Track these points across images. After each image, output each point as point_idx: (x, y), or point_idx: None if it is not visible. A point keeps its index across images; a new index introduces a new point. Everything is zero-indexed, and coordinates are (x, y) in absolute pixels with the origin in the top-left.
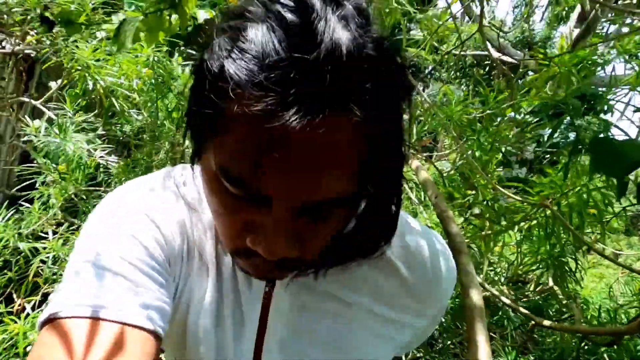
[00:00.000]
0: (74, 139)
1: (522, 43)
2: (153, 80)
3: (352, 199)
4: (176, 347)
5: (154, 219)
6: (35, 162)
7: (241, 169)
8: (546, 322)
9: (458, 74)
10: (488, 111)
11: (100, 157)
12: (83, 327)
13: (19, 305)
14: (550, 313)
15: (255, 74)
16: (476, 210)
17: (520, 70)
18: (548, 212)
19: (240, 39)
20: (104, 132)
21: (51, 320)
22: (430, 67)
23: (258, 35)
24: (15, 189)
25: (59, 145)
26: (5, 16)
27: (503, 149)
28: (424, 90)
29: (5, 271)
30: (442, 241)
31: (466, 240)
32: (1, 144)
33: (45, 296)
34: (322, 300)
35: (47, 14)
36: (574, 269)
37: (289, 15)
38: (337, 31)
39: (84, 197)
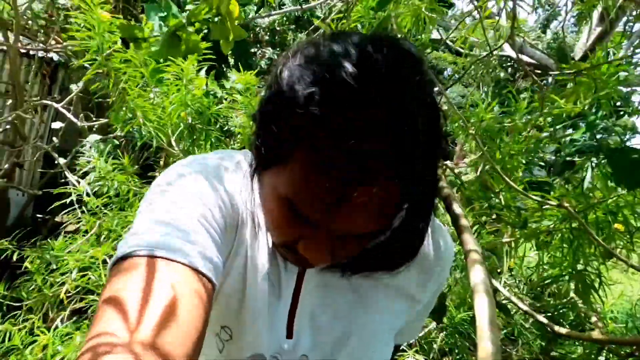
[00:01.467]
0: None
1: (548, 46)
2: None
3: (384, 230)
4: (222, 315)
5: (217, 184)
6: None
7: (303, 205)
8: (564, 331)
9: (480, 75)
10: (518, 122)
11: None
12: (153, 265)
13: (51, 320)
14: (569, 323)
15: (338, 143)
16: (493, 216)
17: (550, 79)
18: (574, 223)
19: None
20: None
21: (124, 259)
22: (449, 70)
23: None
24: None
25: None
26: (29, 22)
27: (527, 156)
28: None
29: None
30: (438, 221)
31: (484, 247)
32: (26, 145)
33: (74, 312)
34: (344, 277)
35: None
36: (597, 283)
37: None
38: (397, 111)
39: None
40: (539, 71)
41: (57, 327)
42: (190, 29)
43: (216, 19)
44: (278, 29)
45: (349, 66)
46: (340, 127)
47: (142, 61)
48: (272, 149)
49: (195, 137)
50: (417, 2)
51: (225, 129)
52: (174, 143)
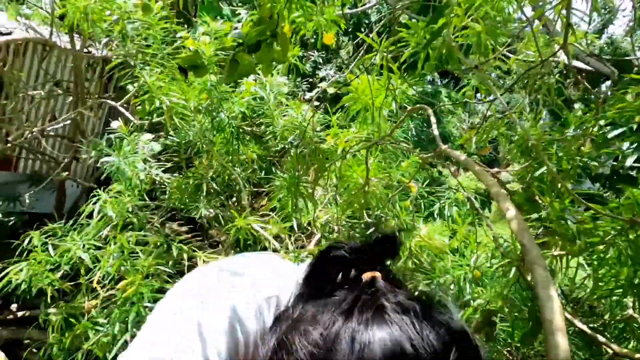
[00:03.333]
0: (132, 158)
1: (601, 51)
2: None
3: None
4: None
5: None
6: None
7: None
8: (625, 351)
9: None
10: (568, 134)
11: (157, 175)
12: None
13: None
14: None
15: None
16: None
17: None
18: (631, 235)
19: None
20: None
21: None
22: (493, 74)
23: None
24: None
25: (118, 164)
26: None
27: (580, 164)
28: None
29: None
30: None
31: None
32: (84, 140)
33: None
34: None
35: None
36: None
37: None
38: None
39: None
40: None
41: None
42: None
43: (268, 41)
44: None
45: None
46: None
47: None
48: None
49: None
50: (477, 27)
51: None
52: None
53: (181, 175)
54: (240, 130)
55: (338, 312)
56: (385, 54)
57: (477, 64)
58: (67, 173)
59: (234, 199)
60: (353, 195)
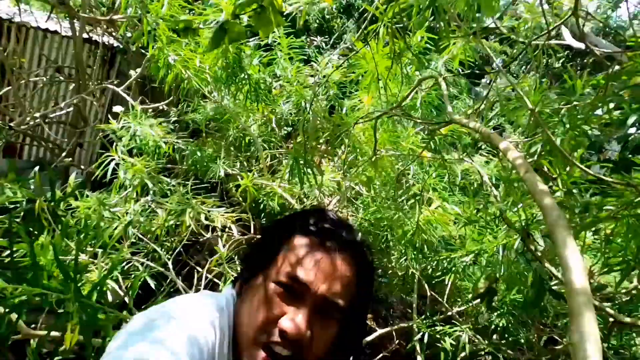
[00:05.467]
0: (147, 124)
1: (604, 31)
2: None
3: (345, 315)
4: None
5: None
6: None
7: (300, 271)
8: (629, 320)
9: (531, 65)
10: (575, 102)
11: (175, 141)
12: None
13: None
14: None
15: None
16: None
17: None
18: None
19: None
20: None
21: None
22: (499, 60)
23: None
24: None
25: (134, 131)
26: (94, 9)
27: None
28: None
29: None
30: None
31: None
32: (86, 126)
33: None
34: None
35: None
36: None
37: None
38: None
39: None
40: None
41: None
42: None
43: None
44: (327, 16)
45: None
46: (320, 224)
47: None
48: (266, 251)
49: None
50: None
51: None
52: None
53: (199, 139)
54: (259, 87)
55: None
56: (390, 24)
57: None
58: (70, 160)
59: (254, 161)
60: (361, 166)
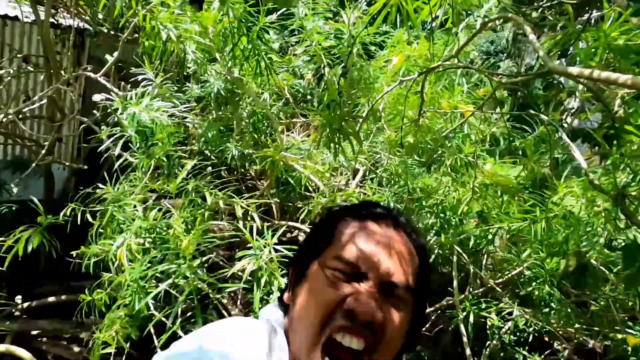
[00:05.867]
0: (154, 106)
1: None
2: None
3: (415, 297)
4: None
5: None
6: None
7: (357, 256)
8: None
9: None
10: None
11: (184, 118)
12: None
13: None
14: None
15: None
16: None
17: None
18: None
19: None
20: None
21: None
22: None
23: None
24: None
25: (136, 115)
26: None
27: None
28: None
29: None
30: None
31: None
32: (64, 118)
33: None
34: None
35: None
36: None
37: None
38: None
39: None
40: None
41: None
42: None
43: None
44: None
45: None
46: (373, 209)
47: None
48: (319, 237)
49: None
50: None
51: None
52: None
53: (210, 116)
54: (269, 57)
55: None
56: None
57: None
58: (51, 156)
59: (269, 136)
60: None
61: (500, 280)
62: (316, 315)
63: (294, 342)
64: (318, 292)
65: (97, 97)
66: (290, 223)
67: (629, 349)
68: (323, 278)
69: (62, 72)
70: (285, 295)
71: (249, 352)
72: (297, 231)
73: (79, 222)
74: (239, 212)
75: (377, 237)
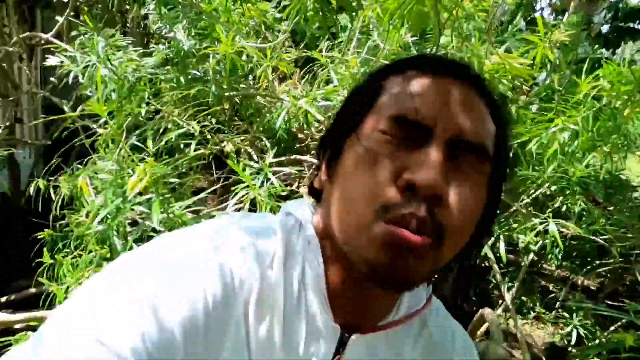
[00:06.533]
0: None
1: None
2: None
3: (493, 166)
4: None
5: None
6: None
7: (414, 110)
8: None
9: None
10: None
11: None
12: None
13: None
14: None
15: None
16: None
17: None
18: None
19: None
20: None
21: None
22: None
23: None
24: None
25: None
26: None
27: None
28: None
29: None
30: None
31: None
32: (20, 93)
33: None
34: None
35: None
36: None
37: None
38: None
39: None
40: None
41: None
42: None
43: None
44: None
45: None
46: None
47: None
48: (361, 101)
49: None
50: None
51: None
52: None
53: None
54: None
55: None
56: None
57: None
58: (11, 138)
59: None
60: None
61: (524, 202)
62: (363, 197)
63: (337, 231)
64: (362, 171)
65: (52, 61)
66: (292, 157)
67: None
68: (367, 151)
69: (7, 37)
70: (316, 182)
71: (238, 261)
72: (298, 166)
73: (54, 211)
74: (229, 148)
75: (441, 87)
